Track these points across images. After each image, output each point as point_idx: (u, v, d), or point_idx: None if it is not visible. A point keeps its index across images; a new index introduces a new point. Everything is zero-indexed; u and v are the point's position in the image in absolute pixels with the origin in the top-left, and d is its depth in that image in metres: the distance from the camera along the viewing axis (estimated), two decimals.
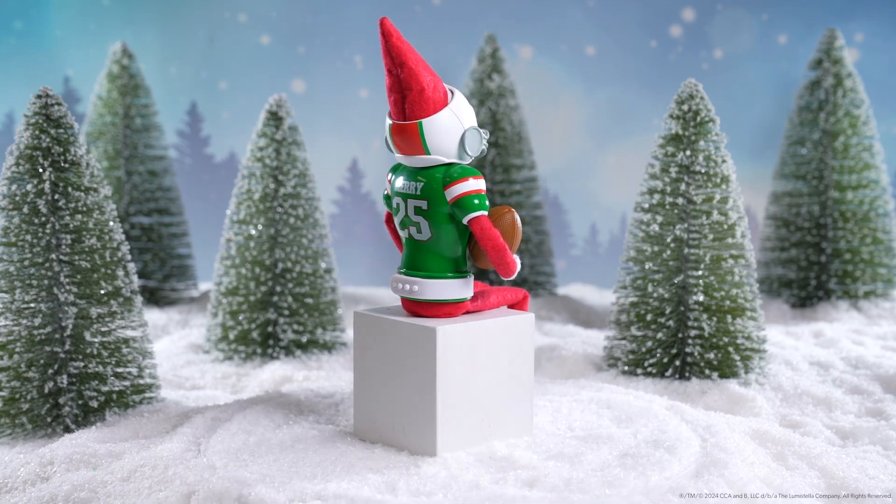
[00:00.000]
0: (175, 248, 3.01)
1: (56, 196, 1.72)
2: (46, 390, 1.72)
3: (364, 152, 4.15)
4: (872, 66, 3.77)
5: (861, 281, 2.75)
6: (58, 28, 3.96)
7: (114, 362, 1.78)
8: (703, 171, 2.00)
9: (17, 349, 1.72)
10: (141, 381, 1.82)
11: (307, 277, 2.30)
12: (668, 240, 2.01)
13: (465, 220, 1.53)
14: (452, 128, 1.53)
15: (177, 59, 4.03)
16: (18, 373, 1.72)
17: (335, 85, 4.03)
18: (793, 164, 2.84)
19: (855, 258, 2.75)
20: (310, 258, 2.31)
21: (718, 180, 2.00)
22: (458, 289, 1.56)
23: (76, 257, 1.73)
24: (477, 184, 1.53)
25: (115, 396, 1.78)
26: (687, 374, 2.01)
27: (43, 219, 1.71)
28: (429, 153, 1.53)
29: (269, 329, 2.28)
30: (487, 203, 1.54)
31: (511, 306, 1.67)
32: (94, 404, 1.75)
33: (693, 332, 2.00)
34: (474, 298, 1.61)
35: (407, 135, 1.53)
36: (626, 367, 2.06)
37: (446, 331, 1.51)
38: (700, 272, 2.00)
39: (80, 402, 1.75)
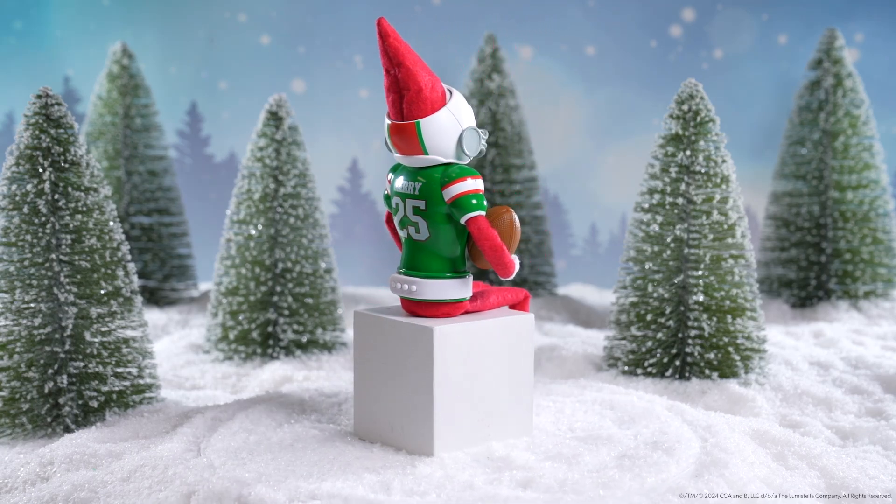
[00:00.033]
0: (175, 248, 3.01)
1: (56, 196, 1.72)
2: (46, 390, 1.72)
3: (364, 152, 4.15)
4: (872, 66, 3.77)
5: (861, 281, 2.75)
6: (58, 28, 3.96)
7: (114, 362, 1.78)
8: (703, 171, 2.00)
9: (17, 349, 1.72)
10: (141, 381, 1.82)
11: (307, 277, 2.30)
12: (668, 240, 2.01)
13: (462, 220, 1.53)
14: (450, 128, 1.53)
15: (177, 59, 4.03)
16: (18, 373, 1.72)
17: (335, 85, 4.03)
18: (793, 164, 2.84)
19: (855, 258, 2.75)
20: (310, 258, 2.31)
21: (718, 180, 2.00)
22: (457, 289, 1.56)
23: (76, 257, 1.73)
24: (475, 184, 1.53)
25: (115, 396, 1.78)
26: (687, 374, 2.01)
27: (43, 219, 1.71)
28: (427, 153, 1.53)
29: (269, 329, 2.28)
30: (486, 203, 1.54)
31: (512, 307, 1.67)
32: (94, 404, 1.75)
33: (693, 332, 2.00)
34: (474, 298, 1.61)
35: (405, 135, 1.53)
36: (626, 367, 2.06)
37: (443, 331, 1.51)
38: (700, 272, 2.00)
39: (80, 402, 1.75)
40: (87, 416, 1.75)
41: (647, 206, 2.05)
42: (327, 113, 4.03)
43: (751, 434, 1.67)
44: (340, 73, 4.03)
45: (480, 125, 2.94)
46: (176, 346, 2.47)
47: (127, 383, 1.79)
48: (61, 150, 1.73)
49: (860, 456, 1.67)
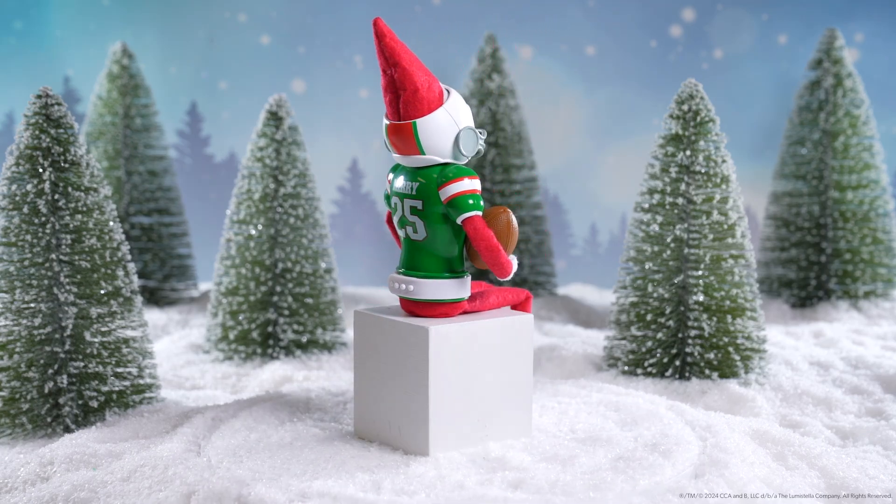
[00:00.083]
0: (175, 248, 3.01)
1: (56, 196, 1.72)
2: (46, 390, 1.72)
3: (364, 152, 4.15)
4: (872, 66, 3.77)
5: (861, 281, 2.75)
6: (58, 28, 3.96)
7: (114, 362, 1.78)
8: (703, 171, 2.00)
9: (17, 349, 1.72)
10: (141, 381, 1.82)
11: (307, 277, 2.30)
12: (668, 240, 2.01)
13: (459, 220, 1.53)
14: (447, 128, 1.53)
15: (177, 59, 4.03)
16: (18, 373, 1.72)
17: (335, 85, 4.04)
18: (793, 164, 2.84)
19: (855, 258, 2.75)
20: (310, 258, 2.31)
21: (718, 180, 2.00)
22: (454, 289, 1.56)
23: (76, 257, 1.73)
24: (472, 184, 1.52)
25: (115, 396, 1.78)
26: (687, 374, 2.01)
27: (43, 219, 1.71)
28: (423, 153, 1.53)
29: (269, 329, 2.28)
30: (482, 203, 1.54)
31: (514, 307, 1.66)
32: (94, 404, 1.75)
33: (693, 332, 2.00)
34: (473, 299, 1.61)
35: (402, 135, 1.53)
36: (626, 367, 2.06)
37: (439, 331, 1.51)
38: (700, 272, 2.00)
39: (80, 402, 1.75)
40: (87, 416, 1.75)
41: (647, 206, 2.05)
42: (327, 113, 4.03)
43: (751, 434, 1.67)
44: (340, 73, 4.03)
45: (480, 125, 2.94)
46: (176, 346, 2.47)
47: (127, 383, 1.79)
48: (61, 150, 1.73)
49: (860, 456, 1.67)
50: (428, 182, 1.53)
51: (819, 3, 3.91)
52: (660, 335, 2.02)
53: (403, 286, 1.56)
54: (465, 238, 1.57)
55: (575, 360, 2.18)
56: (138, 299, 1.82)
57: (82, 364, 1.74)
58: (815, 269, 2.78)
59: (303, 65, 4.04)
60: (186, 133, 4.08)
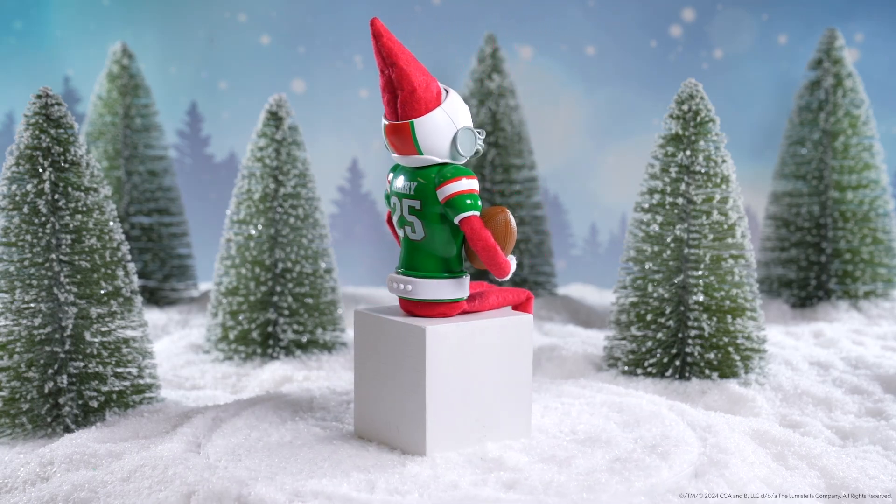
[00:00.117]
0: (175, 248, 3.01)
1: (56, 196, 1.72)
2: (46, 390, 1.72)
3: (364, 152, 4.15)
4: (872, 66, 3.77)
5: (861, 281, 2.75)
6: (58, 28, 3.96)
7: (114, 362, 1.78)
8: (703, 171, 2.00)
9: (17, 349, 1.72)
10: (141, 381, 1.82)
11: (307, 277, 2.30)
12: (668, 240, 2.01)
13: (456, 220, 1.53)
14: (445, 128, 1.53)
15: (177, 59, 4.03)
16: (18, 373, 1.72)
17: (335, 85, 4.03)
18: (793, 164, 2.84)
19: (855, 258, 2.75)
20: (310, 258, 2.31)
21: (718, 180, 2.00)
22: (452, 289, 1.56)
23: (76, 257, 1.73)
24: (470, 184, 1.52)
25: (115, 396, 1.78)
26: (687, 374, 2.01)
27: (43, 219, 1.71)
28: (421, 153, 1.53)
29: (269, 329, 2.28)
30: (480, 203, 1.53)
31: (515, 307, 1.66)
32: (94, 404, 1.75)
33: (693, 332, 2.00)
34: (472, 299, 1.61)
35: (400, 135, 1.53)
36: (626, 367, 2.06)
37: (437, 331, 1.51)
38: (700, 272, 2.00)
39: (80, 402, 1.75)
40: (87, 416, 1.75)
41: (647, 206, 2.05)
42: (327, 113, 4.03)
43: (751, 434, 1.67)
44: (340, 73, 4.03)
45: (480, 125, 2.94)
46: (176, 346, 2.47)
47: (127, 383, 1.79)
48: (61, 150, 1.73)
49: (860, 456, 1.67)
50: (426, 182, 1.53)
51: (819, 3, 3.91)
52: (660, 335, 2.02)
53: (402, 286, 1.56)
54: (463, 238, 1.57)
55: (575, 360, 2.18)
56: (138, 299, 1.82)
57: (82, 364, 1.74)
58: (815, 269, 2.78)
59: (303, 65, 4.04)
60: (186, 133, 4.08)
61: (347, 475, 1.44)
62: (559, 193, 4.18)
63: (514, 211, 2.94)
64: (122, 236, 1.80)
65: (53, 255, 1.71)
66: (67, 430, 1.73)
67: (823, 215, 2.77)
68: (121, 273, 1.79)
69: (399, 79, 1.52)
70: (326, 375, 2.17)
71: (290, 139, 2.31)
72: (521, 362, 1.59)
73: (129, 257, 1.81)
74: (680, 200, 2.01)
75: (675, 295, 2.02)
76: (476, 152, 1.58)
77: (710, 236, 2.00)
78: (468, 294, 1.59)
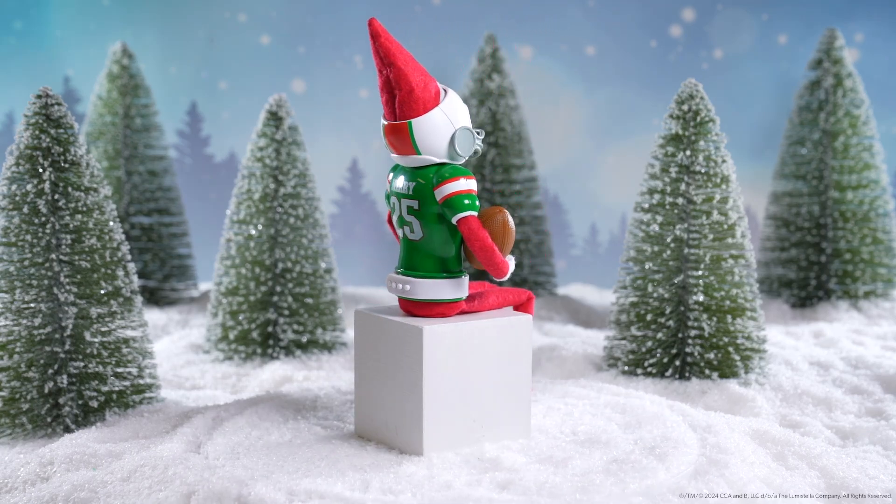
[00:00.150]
0: (175, 248, 3.01)
1: (56, 196, 1.72)
2: (46, 390, 1.72)
3: (364, 152, 4.15)
4: (872, 66, 3.77)
5: (861, 281, 2.75)
6: (58, 28, 3.96)
7: (114, 362, 1.78)
8: (703, 171, 2.00)
9: (17, 349, 1.72)
10: (141, 381, 1.82)
11: (307, 277, 2.30)
12: (668, 240, 2.01)
13: (453, 220, 1.52)
14: (443, 128, 1.53)
15: (177, 59, 4.03)
16: (18, 373, 1.72)
17: (335, 85, 4.03)
18: (793, 164, 2.84)
19: (855, 258, 2.75)
20: (310, 258, 2.31)
21: (718, 180, 2.00)
22: (450, 289, 1.56)
23: (76, 257, 1.73)
24: (468, 184, 1.52)
25: (115, 396, 1.78)
26: (687, 374, 2.01)
27: (43, 219, 1.71)
28: (419, 153, 1.53)
29: (269, 329, 2.28)
30: (478, 204, 1.53)
31: (516, 308, 1.66)
32: (94, 404, 1.75)
33: (693, 332, 2.00)
34: (471, 299, 1.60)
35: (398, 135, 1.53)
36: (626, 367, 2.06)
37: (434, 331, 1.51)
38: (700, 272, 2.00)
39: (80, 402, 1.75)
40: (87, 416, 1.75)
41: (647, 206, 2.05)
42: (327, 113, 4.03)
43: (751, 434, 1.67)
44: (340, 73, 4.03)
45: (480, 125, 2.94)
46: (176, 346, 2.47)
47: (127, 383, 1.79)
48: (61, 150, 1.73)
49: (860, 456, 1.67)
50: (424, 182, 1.53)
51: (819, 3, 3.91)
52: (660, 335, 2.02)
53: (400, 286, 1.57)
54: (461, 238, 1.57)
55: (575, 360, 2.18)
56: (138, 299, 1.82)
57: (82, 364, 1.74)
58: (815, 269, 2.78)
59: (303, 65, 4.04)
60: (186, 133, 4.08)
61: (343, 474, 1.44)
62: (559, 193, 4.18)
63: (514, 211, 2.94)
64: (122, 236, 1.80)
65: (53, 255, 1.71)
66: (67, 430, 1.73)
67: (823, 215, 2.77)
68: (121, 273, 1.79)
69: (397, 79, 1.52)
70: (326, 375, 2.17)
71: (290, 139, 2.31)
72: (520, 363, 1.59)
73: (129, 257, 1.81)
74: (680, 200, 2.01)
75: (675, 295, 2.02)
76: (475, 152, 1.58)
77: (710, 236, 2.00)
78: (467, 294, 1.59)
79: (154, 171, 3.00)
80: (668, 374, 2.01)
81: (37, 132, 1.73)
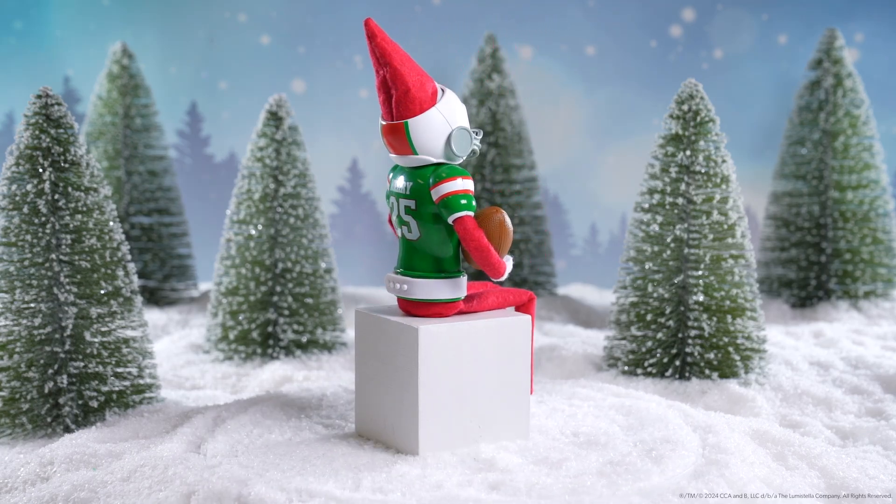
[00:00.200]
0: (175, 248, 3.01)
1: (56, 196, 1.72)
2: (46, 390, 1.72)
3: (364, 152, 4.15)
4: (872, 66, 3.77)
5: (861, 281, 2.75)
6: (58, 28, 3.96)
7: (114, 362, 1.78)
8: (703, 171, 2.00)
9: (17, 349, 1.72)
10: (141, 381, 1.82)
11: (307, 277, 2.30)
12: (668, 240, 2.01)
13: (450, 220, 1.52)
14: (439, 127, 1.53)
15: (177, 59, 4.03)
16: (18, 373, 1.72)
17: (335, 85, 4.03)
18: (793, 164, 2.84)
19: (855, 258, 2.75)
20: (310, 258, 2.31)
21: (718, 180, 2.00)
22: (448, 289, 1.56)
23: (76, 257, 1.73)
24: (464, 184, 1.52)
25: (115, 396, 1.78)
26: (687, 374, 2.01)
27: (43, 219, 1.71)
28: (416, 153, 1.53)
29: (269, 329, 2.28)
30: (474, 204, 1.53)
31: (517, 308, 1.66)
32: (94, 404, 1.75)
33: (693, 332, 2.00)
34: (470, 299, 1.60)
35: (396, 135, 1.53)
36: (626, 367, 2.06)
37: (430, 330, 1.51)
38: (700, 272, 2.00)
39: (80, 402, 1.75)
40: (87, 416, 1.75)
41: (647, 206, 2.05)
42: (327, 113, 4.03)
43: (751, 434, 1.67)
44: (340, 73, 4.03)
45: (480, 125, 2.94)
46: (176, 346, 2.47)
47: (127, 383, 1.79)
48: (61, 150, 1.73)
49: (860, 456, 1.67)
50: (422, 182, 1.53)
51: (819, 3, 3.91)
52: (660, 335, 2.02)
53: (398, 285, 1.57)
54: (459, 238, 1.56)
55: (575, 360, 2.18)
56: (138, 299, 1.82)
57: (82, 364, 1.74)
58: (815, 269, 2.78)
59: (303, 65, 4.04)
60: (186, 133, 4.08)
61: (336, 473, 1.44)
62: (559, 193, 4.18)
63: (514, 211, 2.94)
64: (122, 236, 1.80)
65: (53, 255, 1.71)
66: (67, 430, 1.73)
67: (823, 215, 2.77)
68: (121, 273, 1.79)
69: (393, 78, 1.52)
70: (326, 375, 2.17)
71: (290, 139, 2.31)
72: (518, 363, 1.59)
73: (129, 257, 1.81)
74: (680, 200, 2.01)
75: (675, 295, 2.02)
76: (472, 152, 1.58)
77: (710, 236, 2.00)
78: (465, 294, 1.59)
79: (154, 171, 3.00)
80: (668, 374, 2.01)
81: (37, 132, 1.73)
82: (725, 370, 2.00)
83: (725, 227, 2.00)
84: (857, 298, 2.74)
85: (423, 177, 1.53)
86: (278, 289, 2.28)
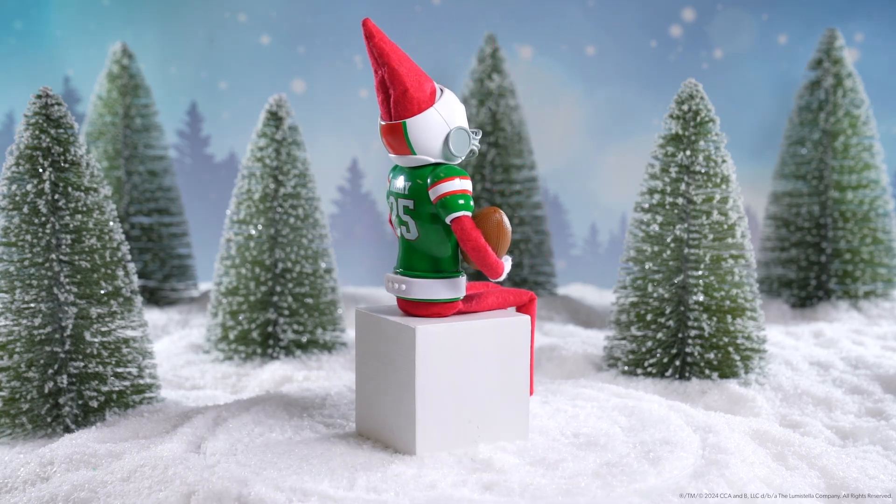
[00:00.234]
0: (175, 248, 3.01)
1: (56, 196, 1.72)
2: (46, 390, 1.72)
3: (364, 152, 4.15)
4: (872, 66, 3.77)
5: (861, 281, 2.75)
6: (58, 28, 3.96)
7: (114, 362, 1.78)
8: (703, 171, 2.00)
9: (17, 349, 1.72)
10: (141, 381, 1.82)
11: (307, 277, 2.30)
12: (668, 240, 2.01)
13: (447, 220, 1.52)
14: (437, 127, 1.52)
15: (177, 59, 4.03)
16: (18, 373, 1.72)
17: (335, 85, 4.04)
18: (793, 164, 2.84)
19: (855, 258, 2.75)
20: (310, 258, 2.31)
21: (718, 180, 2.00)
22: (446, 289, 1.55)
23: (76, 257, 1.73)
24: (462, 184, 1.52)
25: (115, 396, 1.78)
26: (687, 374, 2.01)
27: (43, 219, 1.71)
28: (414, 153, 1.53)
29: (269, 329, 2.28)
30: (472, 204, 1.53)
31: (518, 309, 1.66)
32: (94, 404, 1.75)
33: (693, 332, 2.00)
34: (469, 299, 1.60)
35: (394, 135, 1.53)
36: (626, 367, 2.06)
37: (427, 330, 1.51)
38: (700, 272, 2.00)
39: (80, 402, 1.75)
40: (87, 416, 1.75)
41: (647, 206, 2.05)
42: (327, 113, 4.03)
43: (751, 434, 1.67)
44: (340, 73, 4.03)
45: (480, 125, 2.94)
46: (176, 346, 2.47)
47: (127, 383, 1.79)
48: (61, 150, 1.73)
49: (860, 456, 1.67)
50: (420, 182, 1.53)
51: (819, 3, 3.91)
52: (660, 335, 2.02)
53: (397, 285, 1.57)
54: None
55: (575, 360, 2.18)
56: (138, 299, 1.82)
57: (82, 364, 1.74)
58: (815, 269, 2.78)
59: (303, 65, 4.04)
60: (186, 133, 4.08)
61: (332, 472, 1.44)
62: (559, 193, 4.18)
63: (514, 211, 2.94)
64: (122, 236, 1.80)
65: (53, 255, 1.71)
66: (67, 430, 1.73)
67: (823, 215, 2.77)
68: (121, 273, 1.79)
69: (391, 78, 1.52)
70: (326, 375, 2.17)
71: (290, 139, 2.31)
72: (517, 364, 1.59)
73: (129, 257, 1.81)
74: (680, 200, 2.01)
75: (675, 295, 2.02)
76: (471, 153, 1.57)
77: (710, 236, 2.00)
78: (464, 294, 1.58)
79: (154, 171, 3.00)
80: (668, 374, 2.01)
81: (37, 132, 1.73)
82: (725, 370, 2.00)
83: (725, 227, 2.00)
84: (857, 298, 2.74)
85: (422, 177, 1.53)
86: (278, 289, 2.28)
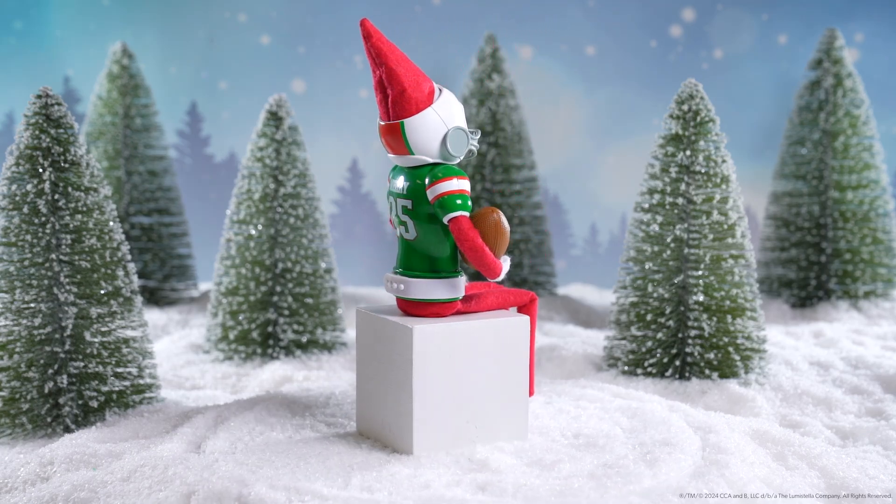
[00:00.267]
0: (175, 248, 3.01)
1: (56, 196, 1.72)
2: (46, 390, 1.72)
3: (364, 152, 4.15)
4: (872, 66, 3.77)
5: (861, 281, 2.75)
6: (58, 28, 3.96)
7: (114, 362, 1.78)
8: (703, 171, 2.00)
9: (17, 349, 1.72)
10: (141, 381, 1.82)
11: (307, 277, 2.30)
12: (668, 240, 2.01)
13: (445, 220, 1.52)
14: (435, 127, 1.52)
15: (177, 59, 4.03)
16: (18, 373, 1.72)
17: (335, 85, 4.04)
18: (793, 164, 2.84)
19: (855, 258, 2.75)
20: (310, 258, 2.31)
21: (718, 180, 2.00)
22: (444, 289, 1.55)
23: (76, 257, 1.73)
24: (460, 184, 1.51)
25: (115, 396, 1.78)
26: (687, 374, 2.01)
27: (43, 219, 1.71)
28: (412, 153, 1.53)
29: (269, 329, 2.28)
30: (470, 204, 1.53)
31: (519, 310, 1.65)
32: (94, 404, 1.75)
33: (693, 332, 2.00)
34: (468, 299, 1.60)
35: (392, 135, 1.53)
36: (626, 367, 2.06)
37: (424, 330, 1.51)
38: (700, 272, 2.00)
39: (80, 402, 1.75)
40: (87, 416, 1.75)
41: (647, 206, 2.05)
42: (327, 113, 4.03)
43: (751, 434, 1.67)
44: (340, 73, 4.03)
45: (480, 125, 2.94)
46: (176, 346, 2.47)
47: (127, 383, 1.79)
48: (61, 150, 1.73)
49: (860, 456, 1.67)
50: (419, 182, 1.53)
51: (819, 3, 3.91)
52: (660, 335, 2.02)
53: (396, 285, 1.57)
54: None
55: (575, 360, 2.18)
56: (138, 299, 1.82)
57: (82, 364, 1.74)
58: (815, 269, 2.78)
59: (303, 65, 4.04)
60: (186, 133, 4.08)
61: (328, 472, 1.44)
62: (559, 193, 4.18)
63: (514, 211, 2.94)
64: (122, 236, 1.80)
65: (53, 255, 1.71)
66: (67, 430, 1.73)
67: (823, 215, 2.77)
68: (121, 273, 1.79)
69: (388, 78, 1.52)
70: (326, 375, 2.17)
71: (290, 139, 2.31)
72: (515, 364, 1.59)
73: (129, 257, 1.81)
74: (680, 200, 2.01)
75: (675, 295, 2.02)
76: (470, 153, 1.57)
77: (710, 236, 2.00)
78: (463, 294, 1.58)
79: (154, 171, 3.00)
80: (668, 374, 2.01)
81: (37, 132, 1.73)
82: (725, 370, 2.00)
83: (725, 227, 2.00)
84: (857, 298, 2.74)
85: (420, 177, 1.53)
86: (278, 289, 2.28)
